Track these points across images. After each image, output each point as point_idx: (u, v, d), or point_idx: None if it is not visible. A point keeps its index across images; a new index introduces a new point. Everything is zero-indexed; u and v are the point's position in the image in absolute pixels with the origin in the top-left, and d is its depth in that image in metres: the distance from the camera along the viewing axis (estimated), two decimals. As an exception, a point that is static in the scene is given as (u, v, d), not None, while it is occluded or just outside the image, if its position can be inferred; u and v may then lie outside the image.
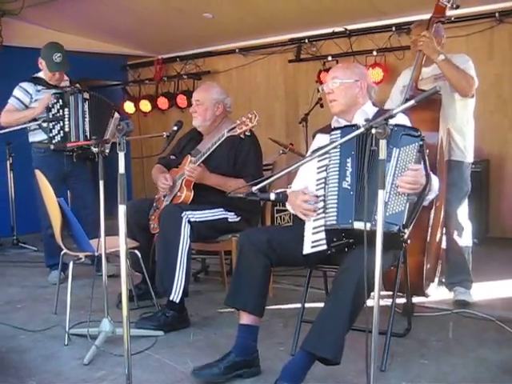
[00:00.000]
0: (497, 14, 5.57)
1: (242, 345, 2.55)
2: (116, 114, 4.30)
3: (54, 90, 4.27)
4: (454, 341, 2.96)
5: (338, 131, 2.55)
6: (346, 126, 2.61)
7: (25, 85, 4.26)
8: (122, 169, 2.19)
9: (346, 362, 2.38)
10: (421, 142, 2.37)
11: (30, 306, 3.81)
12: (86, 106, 4.26)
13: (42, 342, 3.07)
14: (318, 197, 2.50)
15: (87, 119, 4.25)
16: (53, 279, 4.30)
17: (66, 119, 4.23)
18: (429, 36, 3.24)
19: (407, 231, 2.39)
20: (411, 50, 3.61)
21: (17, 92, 4.25)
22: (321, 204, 2.46)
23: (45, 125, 4.23)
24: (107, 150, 3.21)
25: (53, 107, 4.20)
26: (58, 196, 3.17)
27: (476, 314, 3.31)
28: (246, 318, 2.56)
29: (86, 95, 4.27)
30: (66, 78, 4.44)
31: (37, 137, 4.31)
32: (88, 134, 4.24)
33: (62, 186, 4.38)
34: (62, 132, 4.23)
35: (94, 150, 2.93)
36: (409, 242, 2.62)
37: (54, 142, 4.21)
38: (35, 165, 4.15)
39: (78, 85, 4.46)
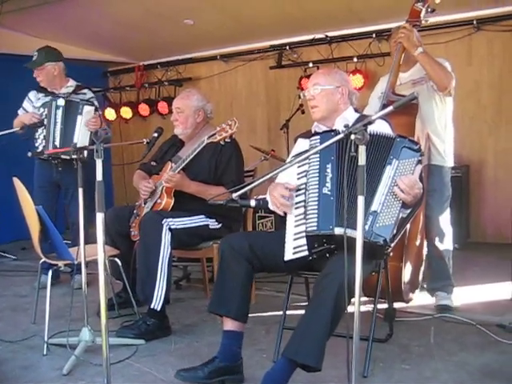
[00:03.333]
0: (474, 22, 5.65)
1: (227, 351, 2.54)
2: (86, 108, 4.22)
3: (50, 98, 4.31)
4: (436, 345, 2.97)
5: (318, 137, 2.56)
6: (324, 132, 2.62)
7: (30, 94, 4.46)
8: (99, 176, 2.17)
9: (329, 369, 2.38)
10: (420, 158, 2.38)
11: (8, 315, 3.75)
12: (60, 112, 4.22)
13: (21, 353, 3.02)
14: (297, 203, 2.50)
15: (59, 126, 4.22)
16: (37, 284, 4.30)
17: (46, 128, 4.25)
18: (409, 28, 3.27)
19: (392, 245, 2.40)
20: (391, 56, 3.63)
21: (24, 101, 4.46)
22: (301, 210, 2.46)
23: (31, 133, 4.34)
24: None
25: (41, 116, 4.27)
26: (47, 203, 3.15)
27: (457, 318, 3.33)
28: (230, 324, 2.55)
29: (61, 102, 4.24)
30: (70, 83, 4.43)
31: (35, 144, 4.38)
32: (57, 143, 4.22)
33: (54, 193, 4.42)
34: (43, 141, 4.28)
35: (73, 156, 2.90)
36: (391, 254, 2.63)
37: (37, 150, 4.29)
38: (34, 171, 4.42)
39: (85, 90, 4.43)
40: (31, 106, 4.40)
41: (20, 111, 4.44)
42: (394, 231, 2.32)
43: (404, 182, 2.30)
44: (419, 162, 2.38)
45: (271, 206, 2.62)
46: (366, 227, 2.27)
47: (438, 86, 3.33)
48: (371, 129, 2.35)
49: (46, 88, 4.38)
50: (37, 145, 4.32)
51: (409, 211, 2.44)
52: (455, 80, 3.34)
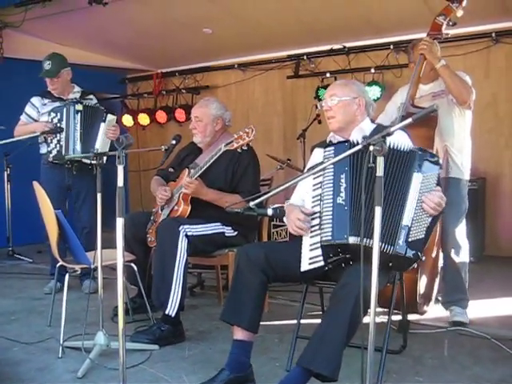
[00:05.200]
0: (493, 34, 5.66)
1: (236, 361, 2.54)
2: (109, 116, 4.27)
3: (58, 103, 4.33)
4: (450, 358, 2.95)
5: (332, 148, 2.56)
6: (339, 143, 2.62)
7: (33, 99, 4.43)
8: (120, 182, 2.20)
9: (342, 379, 2.36)
10: (440, 170, 2.41)
11: (24, 317, 3.79)
12: (79, 117, 4.25)
13: (36, 355, 3.05)
14: (314, 213, 2.50)
15: (78, 131, 4.25)
16: (45, 289, 4.40)
17: (64, 133, 4.25)
18: (431, 41, 3.28)
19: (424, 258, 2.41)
20: (410, 68, 3.64)
21: (26, 107, 4.44)
22: (317, 221, 2.46)
23: (42, 138, 4.35)
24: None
25: (52, 121, 4.27)
26: (57, 207, 3.18)
27: (471, 331, 3.31)
28: (240, 334, 2.56)
29: (79, 107, 4.26)
30: (76, 89, 4.47)
31: (43, 149, 4.41)
32: (78, 147, 4.24)
33: (63, 197, 4.41)
34: (58, 145, 4.27)
35: (93, 162, 2.94)
36: (415, 267, 2.64)
37: (51, 155, 4.29)
38: (41, 176, 4.33)
39: (91, 95, 4.48)
40: (36, 112, 4.39)
41: (23, 117, 4.42)
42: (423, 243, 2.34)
43: (434, 201, 2.32)
44: (439, 174, 2.40)
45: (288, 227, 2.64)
46: (400, 242, 2.29)
47: (457, 100, 3.33)
48: (392, 142, 2.37)
49: (51, 93, 4.39)
50: (49, 149, 4.29)
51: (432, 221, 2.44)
52: (475, 94, 3.35)
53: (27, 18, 5.35)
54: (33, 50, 6.15)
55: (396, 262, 2.34)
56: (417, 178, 2.36)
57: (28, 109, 4.42)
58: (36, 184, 3.28)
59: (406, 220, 2.32)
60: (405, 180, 2.37)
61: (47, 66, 4.28)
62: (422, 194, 2.34)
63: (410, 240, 2.30)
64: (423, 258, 2.40)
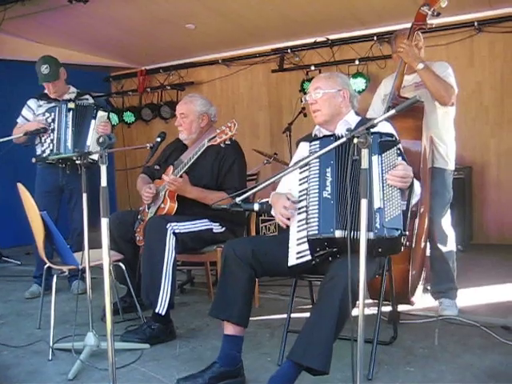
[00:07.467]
0: (476, 23, 5.67)
1: (227, 355, 2.55)
2: (100, 113, 4.21)
3: (53, 104, 4.28)
4: (440, 347, 2.97)
5: (317, 142, 2.57)
6: (324, 137, 2.63)
7: (29, 101, 4.39)
8: (104, 182, 2.19)
9: (333, 372, 2.38)
10: (399, 145, 2.42)
11: (13, 321, 3.75)
12: (70, 116, 4.19)
13: (26, 358, 3.03)
14: (300, 201, 2.51)
15: (70, 130, 4.20)
16: (26, 294, 4.33)
17: (56, 132, 4.21)
18: (409, 44, 3.29)
19: (407, 233, 2.42)
20: (393, 59, 3.64)
21: (23, 110, 4.40)
22: (303, 215, 2.46)
23: (38, 139, 4.30)
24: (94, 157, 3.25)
25: (46, 121, 4.23)
26: (50, 209, 3.15)
27: (461, 320, 3.33)
28: (230, 329, 2.56)
29: (71, 105, 4.21)
30: (71, 90, 4.41)
31: (38, 150, 4.34)
32: (69, 145, 4.18)
33: (57, 198, 4.37)
34: (51, 145, 4.23)
35: (77, 162, 2.91)
36: (407, 244, 2.63)
37: (44, 155, 4.24)
38: (36, 177, 4.35)
39: (87, 96, 4.43)
40: (32, 114, 4.34)
41: (20, 119, 4.37)
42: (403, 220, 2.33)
43: (398, 175, 2.32)
44: (399, 149, 2.41)
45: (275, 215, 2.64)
46: (378, 225, 2.28)
47: (438, 102, 3.34)
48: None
49: (47, 95, 4.34)
50: (43, 149, 4.25)
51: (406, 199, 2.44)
52: (457, 90, 3.35)
53: (7, 18, 5.28)
54: (14, 49, 6.09)
55: (384, 246, 2.33)
56: (375, 161, 2.38)
57: (24, 111, 4.37)
58: (20, 186, 3.25)
59: (377, 203, 2.32)
60: None
61: (45, 70, 4.18)
62: (385, 173, 2.35)
63: (386, 220, 2.29)
64: (406, 233, 2.39)
